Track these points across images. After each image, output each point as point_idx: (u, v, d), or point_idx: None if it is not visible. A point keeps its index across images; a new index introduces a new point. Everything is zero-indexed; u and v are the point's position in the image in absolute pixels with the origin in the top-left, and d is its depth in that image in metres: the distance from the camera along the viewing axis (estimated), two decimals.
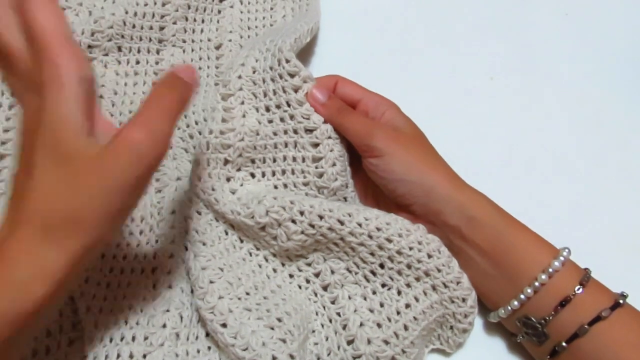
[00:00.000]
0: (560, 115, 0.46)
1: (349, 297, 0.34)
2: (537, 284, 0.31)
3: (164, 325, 0.33)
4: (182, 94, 0.27)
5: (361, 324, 0.33)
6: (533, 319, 0.32)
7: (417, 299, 0.33)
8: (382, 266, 0.34)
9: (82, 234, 0.24)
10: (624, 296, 0.31)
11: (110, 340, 0.32)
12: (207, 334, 0.34)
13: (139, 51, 0.44)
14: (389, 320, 0.33)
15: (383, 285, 0.34)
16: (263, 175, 0.37)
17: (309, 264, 0.36)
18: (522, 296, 0.32)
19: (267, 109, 0.37)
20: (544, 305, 0.31)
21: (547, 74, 0.49)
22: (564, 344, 0.31)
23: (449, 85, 0.47)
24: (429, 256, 0.33)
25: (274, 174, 0.37)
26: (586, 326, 0.30)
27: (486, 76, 0.48)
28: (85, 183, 0.24)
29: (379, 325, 0.33)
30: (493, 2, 0.52)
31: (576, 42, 0.50)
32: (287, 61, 0.35)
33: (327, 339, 0.34)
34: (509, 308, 0.32)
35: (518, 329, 0.33)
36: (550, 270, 0.31)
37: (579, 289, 0.31)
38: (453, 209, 0.33)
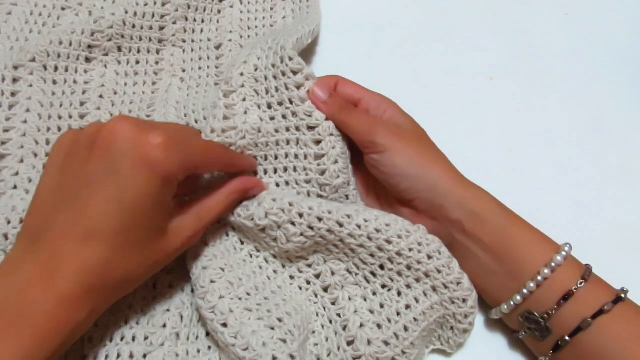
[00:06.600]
0: (560, 115, 0.47)
1: (349, 298, 0.34)
2: (540, 278, 0.31)
3: (164, 325, 0.33)
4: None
5: (361, 325, 0.33)
6: (536, 313, 0.32)
7: (417, 300, 0.33)
8: (382, 267, 0.34)
9: None
10: (624, 291, 0.31)
11: (110, 340, 0.32)
12: (208, 334, 0.33)
13: (139, 51, 0.44)
14: (389, 321, 0.33)
15: (383, 287, 0.34)
16: (265, 172, 0.37)
17: (309, 266, 0.36)
18: (525, 291, 0.32)
19: (269, 106, 0.37)
20: (547, 300, 0.31)
21: (547, 74, 0.49)
22: (567, 337, 0.31)
23: (449, 85, 0.47)
24: (429, 257, 0.33)
25: (275, 171, 0.37)
26: (589, 319, 0.30)
27: (486, 76, 0.48)
28: None
29: (379, 326, 0.33)
30: (493, 2, 0.52)
31: (576, 42, 0.51)
32: (290, 59, 0.35)
33: (327, 340, 0.34)
34: (512, 303, 0.32)
35: (520, 325, 0.33)
36: (553, 264, 0.31)
37: (581, 283, 0.31)
38: (455, 204, 0.33)
